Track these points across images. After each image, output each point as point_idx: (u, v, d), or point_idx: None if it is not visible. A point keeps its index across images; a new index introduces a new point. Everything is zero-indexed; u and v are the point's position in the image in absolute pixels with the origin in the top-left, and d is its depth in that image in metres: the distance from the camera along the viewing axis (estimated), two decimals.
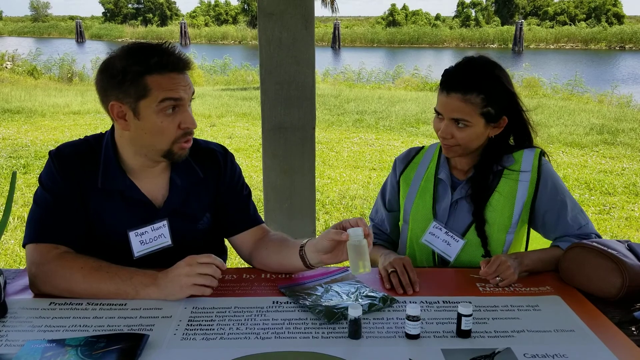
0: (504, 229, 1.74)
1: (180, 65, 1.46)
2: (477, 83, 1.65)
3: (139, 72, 1.42)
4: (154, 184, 1.59)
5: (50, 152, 1.56)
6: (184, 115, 1.47)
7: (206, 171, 1.66)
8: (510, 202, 1.74)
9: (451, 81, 1.67)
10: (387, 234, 1.97)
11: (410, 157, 1.94)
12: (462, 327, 1.28)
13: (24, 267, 1.53)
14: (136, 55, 1.44)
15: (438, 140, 1.81)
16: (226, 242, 1.79)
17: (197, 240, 1.65)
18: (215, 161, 1.69)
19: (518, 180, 1.74)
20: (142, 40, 1.68)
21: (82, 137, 1.62)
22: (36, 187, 1.56)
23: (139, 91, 1.43)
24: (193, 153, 1.63)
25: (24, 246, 1.51)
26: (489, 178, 1.76)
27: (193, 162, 1.64)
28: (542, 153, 1.78)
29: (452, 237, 1.75)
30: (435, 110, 1.72)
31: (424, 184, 1.85)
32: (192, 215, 1.64)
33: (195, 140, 1.70)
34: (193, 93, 1.52)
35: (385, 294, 1.46)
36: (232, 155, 1.75)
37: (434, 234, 1.78)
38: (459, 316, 1.28)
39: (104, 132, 1.62)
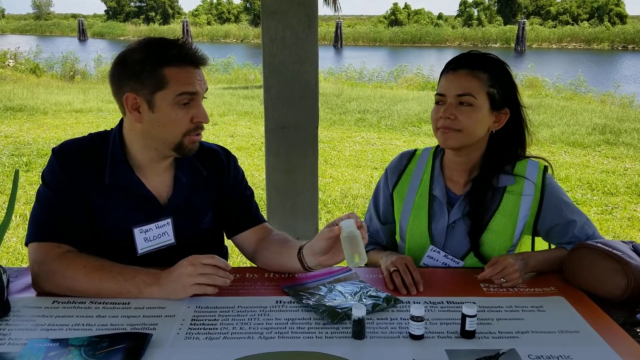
0: (504, 249, 1.71)
1: (197, 59, 1.49)
2: (484, 63, 1.66)
3: (157, 63, 1.44)
4: (159, 180, 1.59)
5: (53, 149, 1.56)
6: (197, 110, 1.50)
7: (209, 170, 1.67)
8: (512, 223, 1.70)
9: (459, 61, 1.66)
10: (382, 245, 1.91)
11: (402, 166, 1.85)
12: (466, 328, 1.27)
13: (27, 265, 1.53)
14: (155, 47, 1.47)
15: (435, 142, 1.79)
16: (228, 241, 1.78)
17: (200, 239, 1.66)
18: (218, 161, 1.69)
19: (520, 200, 1.69)
20: (158, 36, 1.72)
21: (85, 135, 1.62)
22: (38, 185, 1.55)
23: (157, 83, 1.44)
24: (196, 153, 1.63)
25: (26, 244, 1.51)
26: (487, 196, 1.70)
27: (196, 161, 1.65)
28: (546, 168, 1.74)
29: (451, 259, 1.72)
30: (436, 95, 1.68)
31: (419, 200, 1.78)
32: (195, 213, 1.64)
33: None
34: (206, 90, 1.54)
35: (389, 294, 1.46)
36: (234, 157, 1.76)
37: (432, 257, 1.74)
38: (463, 317, 1.27)
39: (108, 129, 1.62)
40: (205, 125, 1.55)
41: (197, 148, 1.56)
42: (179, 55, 1.46)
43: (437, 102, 1.69)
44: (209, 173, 1.66)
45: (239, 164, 1.78)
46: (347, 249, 1.35)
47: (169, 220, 1.59)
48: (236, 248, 1.76)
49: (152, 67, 1.44)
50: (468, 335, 1.28)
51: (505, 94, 1.67)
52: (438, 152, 1.83)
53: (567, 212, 1.70)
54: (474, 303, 1.28)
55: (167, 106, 1.46)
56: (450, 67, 1.66)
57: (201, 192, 1.66)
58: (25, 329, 1.29)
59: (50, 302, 1.41)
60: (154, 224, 1.57)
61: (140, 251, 1.57)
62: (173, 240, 1.60)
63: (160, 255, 1.58)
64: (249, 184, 1.79)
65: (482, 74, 1.63)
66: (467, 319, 1.27)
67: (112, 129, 1.61)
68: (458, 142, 1.65)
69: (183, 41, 1.50)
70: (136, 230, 1.55)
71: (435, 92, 1.70)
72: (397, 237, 1.87)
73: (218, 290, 1.43)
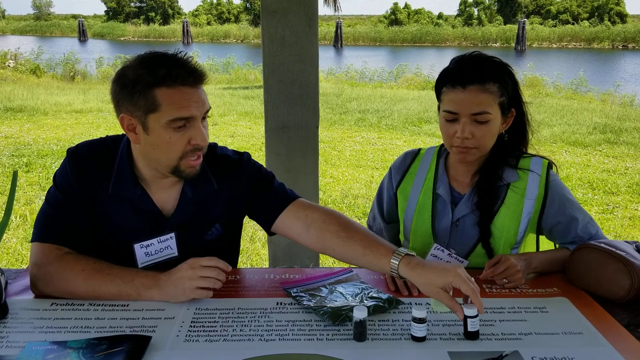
0: (509, 246, 1.70)
1: (192, 79, 1.39)
2: (492, 71, 1.60)
3: (148, 84, 1.36)
4: (166, 194, 1.55)
5: (68, 150, 1.53)
6: (194, 132, 1.42)
7: (221, 181, 1.59)
8: (516, 218, 1.68)
9: (465, 74, 1.59)
10: None
11: (406, 165, 1.84)
12: (469, 329, 1.26)
13: (26, 266, 1.52)
14: (147, 65, 1.38)
15: (439, 141, 1.77)
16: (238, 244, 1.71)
17: (204, 250, 1.57)
18: (231, 169, 1.61)
19: (524, 197, 1.68)
20: (157, 50, 1.61)
21: (102, 137, 1.58)
22: (38, 186, 1.55)
23: (149, 105, 1.37)
24: (209, 162, 1.57)
25: (31, 242, 1.49)
26: (495, 187, 1.69)
27: (209, 172, 1.58)
28: (550, 165, 1.72)
29: (455, 258, 1.69)
30: (446, 112, 1.62)
31: (422, 199, 1.77)
32: (200, 227, 1.59)
33: (213, 147, 1.63)
34: (208, 110, 1.46)
35: (391, 296, 1.44)
36: (247, 156, 1.66)
37: (436, 256, 1.71)
38: (465, 318, 1.26)
39: (123, 133, 1.56)
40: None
41: (198, 171, 1.48)
42: (170, 76, 1.36)
43: (448, 119, 1.63)
44: (220, 185, 1.59)
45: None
46: None
47: (173, 234, 1.54)
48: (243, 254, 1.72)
49: (144, 89, 1.36)
50: (472, 336, 1.26)
51: (510, 98, 1.64)
52: (442, 151, 1.82)
53: (571, 209, 1.69)
54: (472, 303, 1.27)
55: (160, 129, 1.39)
56: (458, 82, 1.59)
57: (209, 205, 1.59)
58: (23, 331, 1.28)
59: (49, 304, 1.40)
60: (156, 238, 1.53)
61: (140, 265, 1.53)
62: (176, 254, 1.56)
63: (163, 267, 1.52)
64: (268, 172, 1.69)
65: (492, 85, 1.58)
66: (469, 320, 1.25)
67: (125, 135, 1.55)
68: (475, 157, 1.66)
69: (179, 57, 1.40)
70: (136, 246, 1.51)
71: (442, 108, 1.64)
72: (401, 236, 1.86)
73: (214, 292, 1.41)
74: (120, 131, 1.55)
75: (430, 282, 1.29)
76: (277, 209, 1.59)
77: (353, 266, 1.56)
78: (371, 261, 1.42)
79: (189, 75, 1.39)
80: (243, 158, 1.65)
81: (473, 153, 1.64)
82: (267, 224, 1.62)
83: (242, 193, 1.62)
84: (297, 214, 1.57)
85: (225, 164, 1.62)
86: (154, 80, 1.36)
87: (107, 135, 1.59)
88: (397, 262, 1.35)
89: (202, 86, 1.44)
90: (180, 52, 1.43)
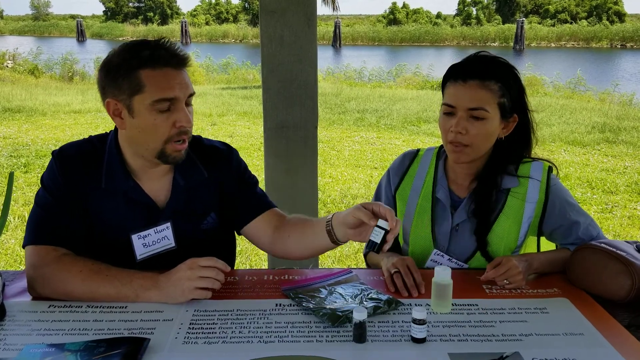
0: (509, 250, 1.69)
1: (175, 60, 1.43)
2: (495, 70, 1.60)
3: (132, 66, 1.39)
4: (157, 185, 1.56)
5: (53, 152, 1.54)
6: (179, 114, 1.44)
7: (210, 170, 1.62)
8: (517, 223, 1.67)
9: (467, 70, 1.59)
10: None
11: (404, 167, 1.82)
12: (370, 238, 1.34)
13: (25, 267, 1.51)
14: (130, 50, 1.42)
15: (438, 141, 1.76)
16: (237, 242, 1.72)
17: (202, 240, 1.61)
18: (219, 159, 1.65)
19: (524, 202, 1.66)
20: (141, 38, 1.67)
21: (86, 137, 1.59)
22: (37, 186, 1.54)
23: (133, 86, 1.40)
24: (197, 152, 1.60)
25: (23, 247, 1.49)
26: (492, 195, 1.67)
27: (198, 161, 1.61)
28: (550, 169, 1.71)
29: (455, 263, 1.69)
30: (445, 105, 1.62)
31: (422, 203, 1.75)
32: (195, 215, 1.60)
33: (199, 139, 1.67)
34: (192, 94, 1.48)
35: (391, 297, 1.43)
36: (236, 151, 1.71)
37: (436, 261, 1.71)
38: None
39: (108, 131, 1.60)
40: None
41: (183, 157, 1.51)
42: (152, 57, 1.39)
43: (445, 113, 1.63)
44: (210, 174, 1.62)
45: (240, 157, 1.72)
46: (436, 295, 1.39)
47: (168, 224, 1.55)
48: (243, 250, 1.73)
49: (128, 71, 1.40)
50: (371, 246, 1.34)
51: (514, 101, 1.63)
52: (441, 153, 1.80)
53: (572, 213, 1.68)
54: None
55: (145, 111, 1.41)
56: (460, 77, 1.60)
57: (201, 193, 1.61)
58: (20, 334, 1.27)
59: (46, 306, 1.39)
60: (152, 229, 1.54)
61: (139, 257, 1.54)
62: (174, 244, 1.57)
63: (161, 259, 1.55)
64: (253, 175, 1.73)
65: (494, 84, 1.58)
66: (375, 229, 1.32)
67: (110, 131, 1.59)
68: (469, 157, 1.64)
69: (162, 42, 1.44)
70: (134, 237, 1.52)
71: (442, 102, 1.64)
72: (400, 240, 1.84)
73: (213, 293, 1.41)
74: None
75: (359, 207, 1.40)
76: (254, 211, 1.65)
77: (353, 266, 1.55)
78: (315, 229, 1.53)
79: (172, 57, 1.42)
80: (232, 152, 1.69)
81: (467, 152, 1.62)
82: (240, 223, 1.66)
83: (230, 185, 1.65)
84: (270, 219, 1.65)
85: (213, 154, 1.65)
86: (137, 63, 1.39)
87: (90, 136, 1.60)
88: (332, 214, 1.49)
89: (186, 70, 1.47)
90: (163, 38, 1.46)
